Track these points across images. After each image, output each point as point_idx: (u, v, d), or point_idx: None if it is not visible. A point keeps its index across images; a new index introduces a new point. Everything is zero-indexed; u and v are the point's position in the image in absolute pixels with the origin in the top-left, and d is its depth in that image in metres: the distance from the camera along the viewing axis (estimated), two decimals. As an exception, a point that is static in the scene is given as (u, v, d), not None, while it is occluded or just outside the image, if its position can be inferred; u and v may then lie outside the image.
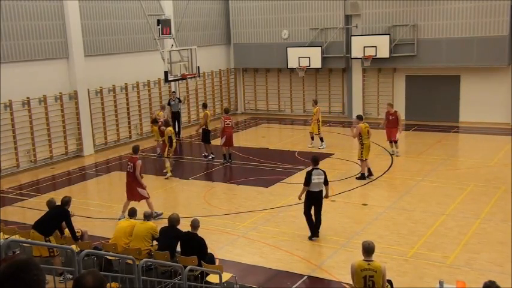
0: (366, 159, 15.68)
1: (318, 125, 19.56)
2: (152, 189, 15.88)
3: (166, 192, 15.86)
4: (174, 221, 9.87)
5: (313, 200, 11.46)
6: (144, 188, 13.03)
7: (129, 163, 13.18)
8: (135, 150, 13.32)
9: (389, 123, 18.16)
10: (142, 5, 19.15)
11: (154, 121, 18.88)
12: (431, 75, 23.57)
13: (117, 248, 9.88)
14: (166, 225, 10.04)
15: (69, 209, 10.28)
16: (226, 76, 27.74)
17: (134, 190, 12.99)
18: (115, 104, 21.59)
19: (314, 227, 11.57)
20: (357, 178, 15.82)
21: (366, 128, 15.67)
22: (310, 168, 11.60)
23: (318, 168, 11.42)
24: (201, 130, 19.07)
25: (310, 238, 11.54)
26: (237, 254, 10.96)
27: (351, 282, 8.15)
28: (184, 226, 10.11)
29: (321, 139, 19.67)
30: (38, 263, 2.77)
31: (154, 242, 10.18)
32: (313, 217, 11.59)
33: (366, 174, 15.78)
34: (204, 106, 19.70)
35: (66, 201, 10.33)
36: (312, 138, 19.90)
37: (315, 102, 20.26)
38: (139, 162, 13.03)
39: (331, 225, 12.02)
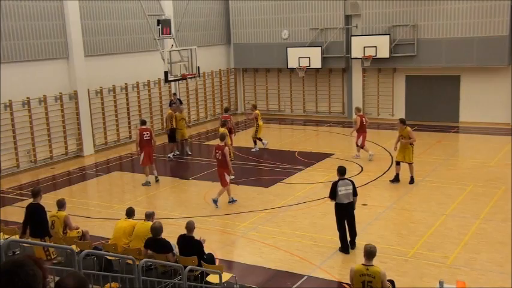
0: (411, 163, 15.17)
1: (257, 129, 19.52)
2: (152, 189, 15.91)
3: (167, 192, 15.86)
4: (157, 231, 9.60)
5: (344, 213, 10.81)
6: (230, 174, 14.05)
7: (217, 151, 13.97)
8: (223, 138, 14.38)
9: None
10: (142, 5, 19.15)
11: (223, 124, 17.98)
12: (431, 75, 23.57)
13: (117, 248, 9.87)
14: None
15: (40, 202, 10.09)
16: (226, 76, 27.74)
17: (222, 176, 13.91)
18: (115, 104, 21.59)
19: (350, 241, 10.92)
20: (409, 183, 15.10)
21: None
22: (336, 179, 10.89)
23: (345, 179, 10.82)
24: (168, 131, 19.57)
25: (340, 250, 10.90)
26: (237, 254, 10.97)
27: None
28: (183, 227, 10.07)
29: (255, 142, 19.68)
30: (38, 260, 2.79)
31: None
32: (347, 231, 10.94)
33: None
34: (170, 105, 20.72)
35: (37, 192, 10.15)
36: (255, 143, 19.78)
37: (254, 107, 20.18)
38: (226, 149, 14.00)
39: (331, 225, 11.99)
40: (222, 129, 16.61)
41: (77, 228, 11.00)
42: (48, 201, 15.09)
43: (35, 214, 10.03)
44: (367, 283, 7.15)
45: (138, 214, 11.00)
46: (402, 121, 15.38)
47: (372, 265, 7.29)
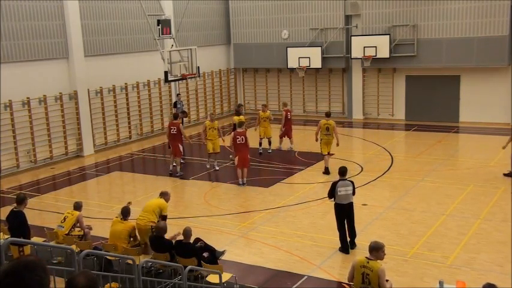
0: (323, 154, 16.49)
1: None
2: (152, 190, 15.90)
3: (167, 192, 15.83)
4: (161, 230, 9.74)
5: (344, 213, 10.82)
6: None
7: (238, 137, 15.47)
8: (240, 124, 16.01)
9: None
10: (142, 5, 19.15)
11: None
12: (431, 75, 23.56)
13: (117, 248, 9.88)
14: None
15: (23, 210, 9.75)
16: (226, 76, 27.74)
17: (247, 159, 15.63)
18: (115, 104, 21.59)
19: (349, 241, 10.90)
20: (323, 173, 16.47)
21: (325, 125, 16.32)
22: (337, 179, 10.93)
23: (345, 179, 10.78)
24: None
25: (340, 250, 10.89)
26: (237, 254, 10.96)
27: (350, 282, 8.18)
28: (182, 228, 10.08)
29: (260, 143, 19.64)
30: (46, 266, 2.79)
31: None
32: (347, 231, 10.96)
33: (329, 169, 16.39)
34: (174, 106, 21.06)
35: (22, 199, 9.85)
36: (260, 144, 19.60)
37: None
38: (247, 133, 15.91)
39: (331, 225, 12.00)
40: (238, 117, 17.71)
41: (90, 228, 11.04)
42: (48, 201, 15.17)
43: (14, 220, 9.66)
44: (366, 275, 7.31)
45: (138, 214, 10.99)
46: (326, 114, 16.90)
47: (373, 260, 7.42)
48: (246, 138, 15.55)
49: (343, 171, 10.88)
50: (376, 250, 7.45)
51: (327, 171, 16.27)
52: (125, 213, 10.33)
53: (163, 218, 10.52)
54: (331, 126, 16.30)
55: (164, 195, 10.87)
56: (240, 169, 15.68)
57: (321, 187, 15.18)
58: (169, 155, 17.92)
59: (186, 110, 22.91)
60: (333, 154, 18.56)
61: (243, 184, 15.65)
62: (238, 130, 15.81)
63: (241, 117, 18.20)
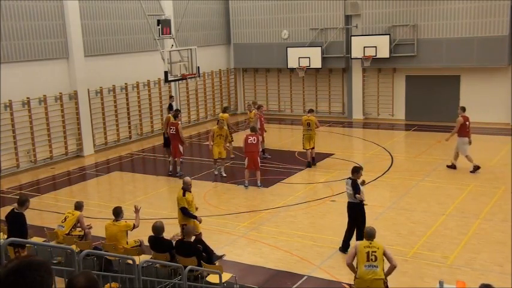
0: (305, 149, 17.30)
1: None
2: (152, 189, 15.91)
3: (167, 192, 15.85)
4: (158, 230, 9.73)
5: (349, 212, 10.88)
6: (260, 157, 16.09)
7: (250, 137, 15.47)
8: (254, 130, 15.98)
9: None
10: (142, 5, 19.14)
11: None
12: (431, 75, 23.56)
13: (117, 248, 9.88)
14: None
15: (24, 212, 9.57)
16: (226, 76, 27.75)
17: (257, 160, 15.52)
18: (115, 104, 21.59)
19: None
20: (306, 166, 17.30)
21: (307, 121, 17.24)
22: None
23: (349, 178, 10.84)
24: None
25: (340, 250, 10.95)
26: (237, 254, 10.96)
27: (350, 282, 8.21)
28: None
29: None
30: (50, 267, 2.78)
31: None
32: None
33: (311, 163, 17.30)
34: (169, 108, 20.55)
35: (23, 201, 9.66)
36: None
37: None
38: (260, 137, 16.25)
39: (331, 225, 12.02)
40: (222, 115, 18.42)
41: (90, 227, 11.02)
42: (48, 201, 15.17)
43: (13, 221, 9.52)
44: (372, 252, 7.93)
45: (141, 214, 10.97)
46: (308, 111, 17.92)
47: (374, 241, 8.12)
48: (257, 139, 15.65)
49: (351, 170, 11.01)
50: (374, 235, 8.16)
51: (309, 165, 17.26)
52: (117, 214, 10.25)
53: (182, 210, 10.75)
54: (312, 121, 17.18)
55: (183, 183, 11.18)
56: (248, 171, 15.59)
57: (321, 187, 15.19)
58: (169, 155, 17.94)
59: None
60: (333, 154, 18.60)
61: (248, 186, 15.55)
62: (252, 133, 15.86)
63: (225, 114, 18.81)
